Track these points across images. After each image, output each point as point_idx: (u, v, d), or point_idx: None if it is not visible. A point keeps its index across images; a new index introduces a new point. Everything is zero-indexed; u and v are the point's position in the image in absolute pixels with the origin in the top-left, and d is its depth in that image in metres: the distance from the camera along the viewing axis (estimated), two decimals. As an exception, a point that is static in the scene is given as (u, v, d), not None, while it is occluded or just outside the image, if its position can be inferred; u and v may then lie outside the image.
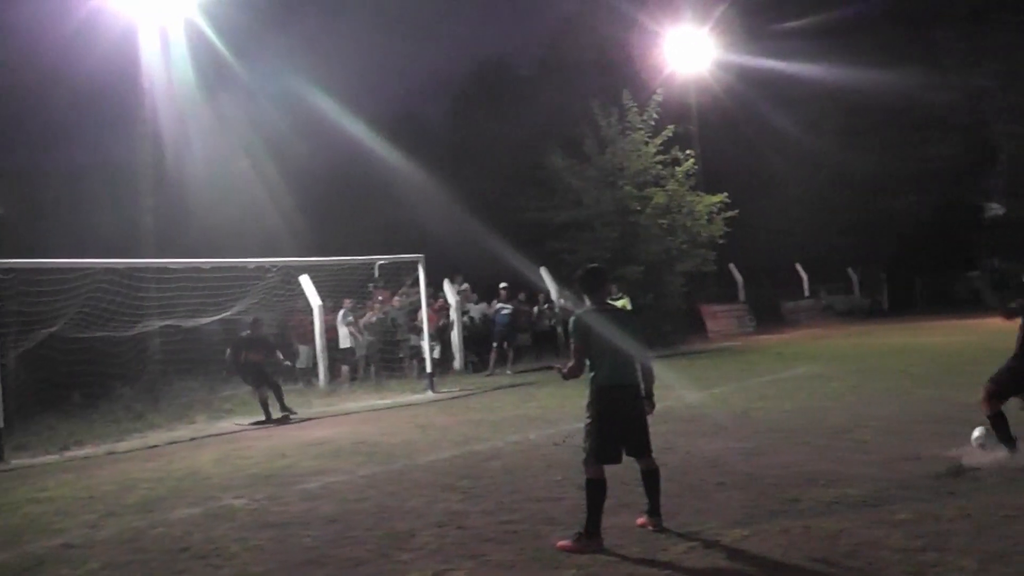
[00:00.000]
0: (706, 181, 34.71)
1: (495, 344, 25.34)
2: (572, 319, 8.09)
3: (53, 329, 17.28)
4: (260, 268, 20.97)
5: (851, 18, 46.16)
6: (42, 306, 17.14)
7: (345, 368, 22.91)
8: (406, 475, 11.24)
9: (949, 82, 43.64)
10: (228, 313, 20.30)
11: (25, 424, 16.97)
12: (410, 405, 19.22)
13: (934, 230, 44.10)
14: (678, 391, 17.05)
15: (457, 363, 25.24)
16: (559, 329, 27.92)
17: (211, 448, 14.73)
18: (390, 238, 33.31)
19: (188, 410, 18.90)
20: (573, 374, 7.97)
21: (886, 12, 47.72)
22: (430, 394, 20.76)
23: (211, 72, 30.23)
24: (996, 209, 50.19)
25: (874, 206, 45.39)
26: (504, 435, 14.02)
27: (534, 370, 24.62)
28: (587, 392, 7.95)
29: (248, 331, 18.32)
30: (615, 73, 39.16)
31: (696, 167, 31.63)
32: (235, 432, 16.63)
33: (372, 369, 23.26)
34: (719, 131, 41.99)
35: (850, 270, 45.27)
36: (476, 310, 26.73)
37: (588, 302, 8.17)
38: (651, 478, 8.00)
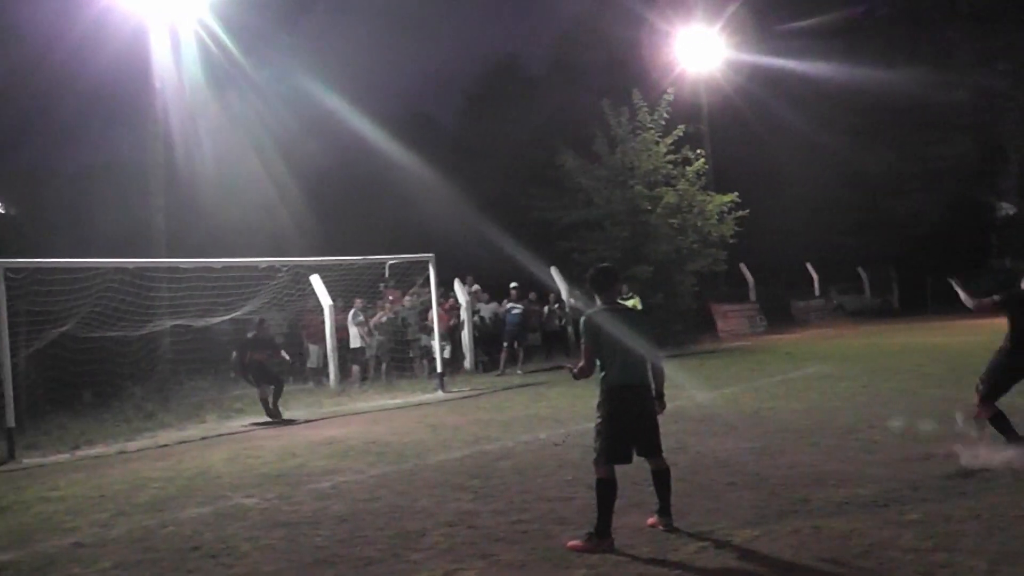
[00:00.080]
0: (717, 181, 34.71)
1: (505, 344, 25.33)
2: (582, 319, 8.07)
3: (64, 329, 17.33)
4: (271, 268, 21.00)
5: (861, 17, 46.20)
6: (53, 306, 17.19)
7: (356, 368, 22.91)
8: (417, 475, 11.24)
9: (960, 81, 43.54)
10: (238, 313, 20.31)
11: (36, 423, 17.05)
12: (421, 405, 19.22)
13: (945, 230, 43.99)
14: (689, 391, 17.04)
15: (467, 363, 25.24)
16: (569, 329, 27.92)
17: (222, 447, 14.76)
18: (401, 238, 33.36)
19: (199, 409, 18.95)
20: (584, 374, 7.96)
21: (897, 12, 47.71)
22: (440, 394, 20.75)
23: (221, 72, 30.29)
24: (1007, 209, 50.09)
25: (885, 206, 45.33)
26: (515, 435, 14.01)
27: (544, 370, 24.63)
28: (597, 392, 7.94)
29: (253, 332, 18.32)
30: (625, 72, 39.17)
31: (707, 167, 31.58)
32: (246, 431, 16.65)
33: (383, 369, 23.27)
34: (730, 130, 41.97)
35: (860, 270, 45.15)
36: (487, 310, 26.72)
37: (598, 302, 8.16)
38: (661, 478, 7.99)
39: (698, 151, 30.89)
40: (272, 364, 18.36)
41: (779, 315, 39.15)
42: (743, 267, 38.59)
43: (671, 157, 30.39)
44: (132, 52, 23.58)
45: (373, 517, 9.14)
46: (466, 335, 25.34)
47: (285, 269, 21.19)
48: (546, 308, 28.11)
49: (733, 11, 40.65)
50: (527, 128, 44.16)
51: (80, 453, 15.15)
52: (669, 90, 31.19)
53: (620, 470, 7.80)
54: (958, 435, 10.41)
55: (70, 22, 28.05)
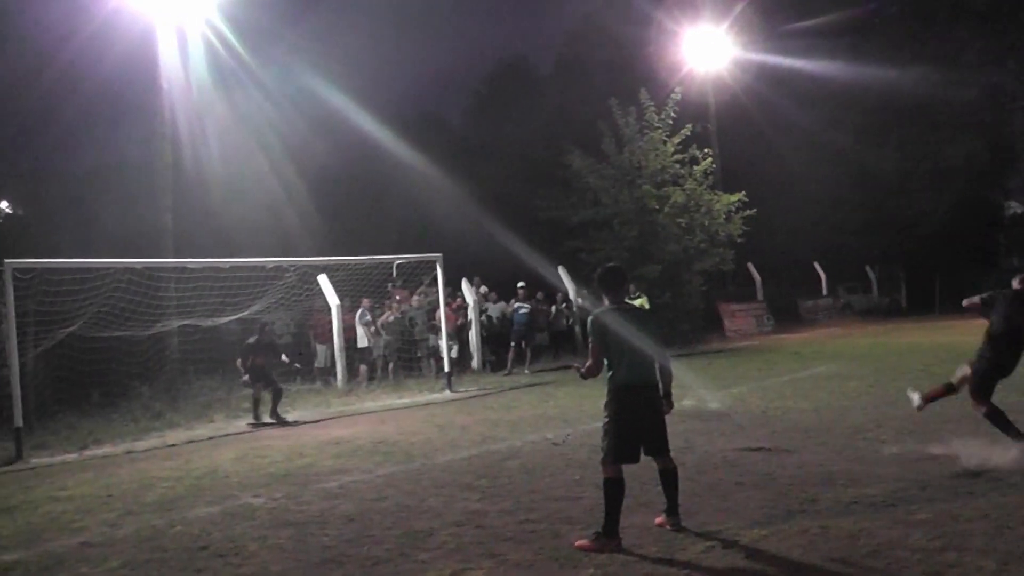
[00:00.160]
0: (724, 180, 34.72)
1: (513, 343, 25.31)
2: (590, 318, 8.06)
3: (72, 328, 17.34)
4: (278, 268, 21.02)
5: (869, 16, 46.12)
6: (61, 306, 17.21)
7: (363, 367, 22.92)
8: (424, 474, 11.25)
9: (968, 80, 43.43)
10: (246, 313, 20.33)
11: (44, 423, 17.08)
12: (428, 404, 19.23)
13: (953, 229, 43.88)
14: (696, 390, 17.01)
15: (475, 362, 25.22)
16: (577, 328, 27.92)
17: (230, 447, 14.77)
18: (408, 237, 33.41)
19: (207, 409, 18.96)
20: (591, 373, 7.96)
21: (905, 10, 47.62)
22: (448, 393, 20.76)
23: (228, 72, 30.32)
24: (1016, 207, 50.01)
25: (892, 205, 45.23)
26: (522, 434, 14.01)
27: (552, 369, 24.61)
28: (605, 391, 7.94)
29: (255, 336, 18.30)
30: (633, 72, 39.13)
31: (714, 166, 31.63)
32: (253, 431, 16.66)
33: (390, 368, 23.27)
34: (737, 130, 41.91)
35: (868, 269, 45.10)
36: (494, 309, 26.71)
37: (606, 301, 8.15)
38: (669, 477, 7.98)
39: (705, 150, 30.92)
40: (272, 368, 18.32)
41: (787, 314, 39.10)
42: (750, 266, 38.54)
43: (679, 156, 30.40)
44: (139, 53, 23.62)
45: (381, 517, 9.15)
46: (473, 335, 25.33)
47: (293, 269, 21.20)
48: (553, 308, 28.10)
49: (741, 10, 40.63)
50: (534, 127, 44.15)
51: (88, 453, 15.18)
52: (676, 89, 31.26)
53: (628, 470, 7.80)
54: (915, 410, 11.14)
55: (77, 24, 28.12)
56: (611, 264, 8.61)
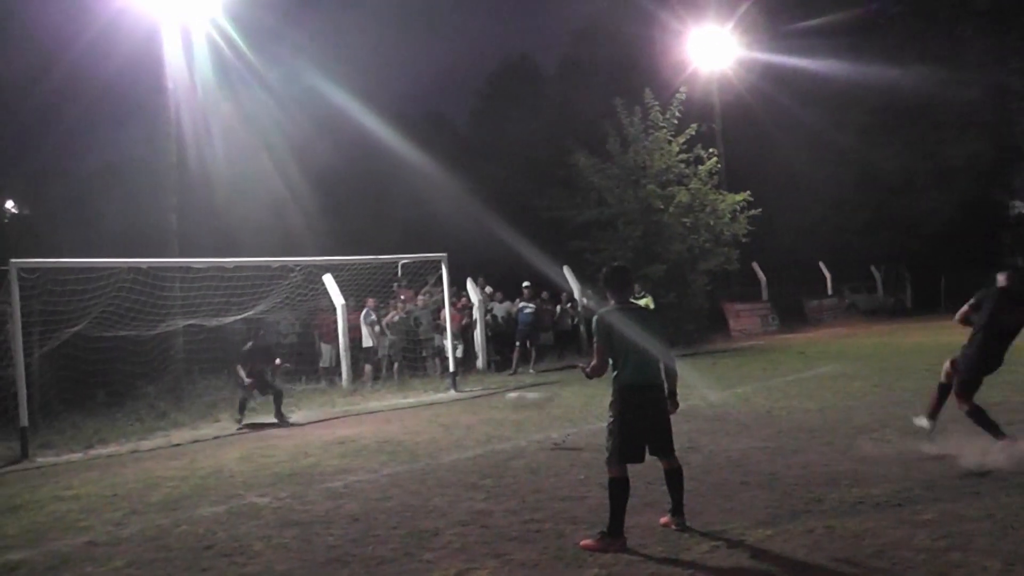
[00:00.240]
0: (729, 179, 34.70)
1: (518, 343, 25.33)
2: (595, 318, 8.07)
3: (77, 328, 17.36)
4: (283, 267, 21.02)
5: (874, 16, 46.08)
6: (66, 305, 17.22)
7: (368, 367, 22.92)
8: (429, 474, 11.25)
9: (973, 79, 43.32)
10: (251, 312, 20.34)
11: (50, 422, 17.08)
12: (433, 404, 19.23)
13: (958, 228, 43.80)
14: (701, 390, 17.04)
15: (480, 362, 25.24)
16: (582, 328, 27.93)
17: (235, 446, 14.78)
18: (413, 237, 33.38)
19: (212, 409, 18.96)
20: (596, 373, 7.97)
21: (909, 9, 47.56)
22: (453, 393, 20.77)
23: (233, 71, 30.35)
24: (1020, 207, 49.93)
25: (897, 204, 45.15)
26: (527, 434, 14.00)
27: (557, 369, 24.64)
28: (610, 391, 7.94)
29: (251, 343, 18.27)
30: (637, 71, 39.19)
31: (719, 165, 31.59)
32: (259, 431, 16.66)
33: (395, 368, 23.27)
34: (742, 129, 41.89)
35: (873, 269, 45.04)
36: (499, 309, 26.70)
37: (611, 301, 8.15)
38: (674, 477, 7.98)
39: (710, 150, 30.92)
40: (267, 372, 18.30)
41: (792, 314, 39.07)
42: (755, 266, 38.52)
43: (683, 156, 30.43)
44: (144, 53, 23.63)
45: (386, 516, 9.15)
46: (478, 334, 25.34)
47: (298, 269, 21.20)
48: (558, 307, 28.10)
49: (745, 9, 40.59)
50: (539, 127, 44.14)
51: (93, 452, 15.19)
52: (681, 89, 31.23)
53: (633, 469, 7.80)
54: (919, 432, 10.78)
55: (82, 24, 28.17)
56: (617, 263, 8.62)
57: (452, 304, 23.05)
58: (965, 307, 10.75)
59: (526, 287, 26.12)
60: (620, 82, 37.58)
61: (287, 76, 38.02)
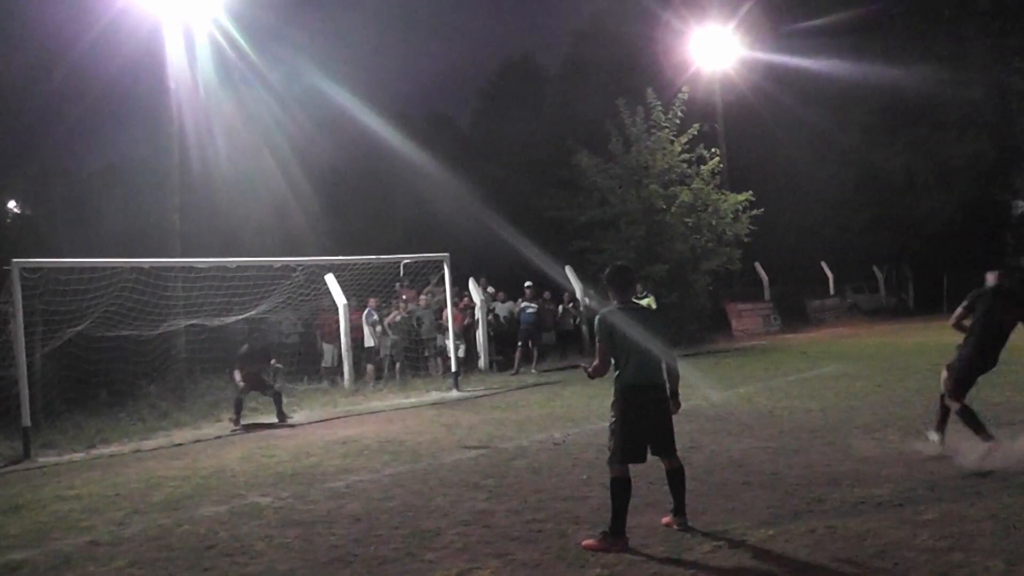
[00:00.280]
0: (731, 179, 34.73)
1: (520, 343, 25.32)
2: (597, 318, 8.07)
3: (79, 328, 17.36)
4: (286, 267, 21.01)
5: (876, 15, 45.99)
6: (68, 305, 17.22)
7: (370, 367, 22.92)
8: (431, 474, 11.25)
9: (975, 79, 43.31)
10: (253, 312, 20.34)
11: (52, 422, 17.07)
12: (435, 404, 19.23)
13: (961, 228, 43.78)
14: (703, 390, 17.04)
15: (482, 362, 25.23)
16: (584, 328, 27.93)
17: (237, 446, 14.77)
18: (415, 237, 33.41)
19: (214, 408, 18.94)
20: (598, 373, 7.97)
21: (911, 9, 47.48)
22: (455, 393, 20.76)
23: (235, 71, 30.36)
24: (1023, 207, 49.86)
25: (900, 204, 45.12)
26: (529, 434, 14.01)
27: (559, 369, 24.63)
28: (612, 391, 7.93)
29: (247, 345, 18.26)
30: (640, 71, 39.15)
31: (721, 165, 31.60)
32: (261, 431, 16.66)
33: (397, 368, 23.26)
34: (744, 129, 41.88)
35: (876, 268, 45.05)
36: (501, 309, 26.70)
37: (613, 301, 8.15)
38: (676, 477, 7.98)
39: (713, 150, 30.91)
40: (264, 373, 18.29)
41: (794, 314, 39.06)
42: (758, 266, 38.54)
43: (686, 156, 30.43)
44: (146, 53, 23.62)
45: (388, 516, 9.15)
46: (480, 334, 25.33)
47: (300, 268, 21.18)
48: (560, 307, 28.10)
49: (747, 9, 40.59)
50: (541, 127, 44.18)
51: (95, 452, 15.19)
52: (684, 89, 31.21)
53: (635, 469, 7.80)
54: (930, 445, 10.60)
55: (84, 25, 28.17)
56: (619, 263, 8.61)
57: (454, 304, 23.04)
58: (959, 310, 10.81)
59: (528, 287, 26.11)
60: (622, 82, 37.57)
61: (289, 76, 38.00)
